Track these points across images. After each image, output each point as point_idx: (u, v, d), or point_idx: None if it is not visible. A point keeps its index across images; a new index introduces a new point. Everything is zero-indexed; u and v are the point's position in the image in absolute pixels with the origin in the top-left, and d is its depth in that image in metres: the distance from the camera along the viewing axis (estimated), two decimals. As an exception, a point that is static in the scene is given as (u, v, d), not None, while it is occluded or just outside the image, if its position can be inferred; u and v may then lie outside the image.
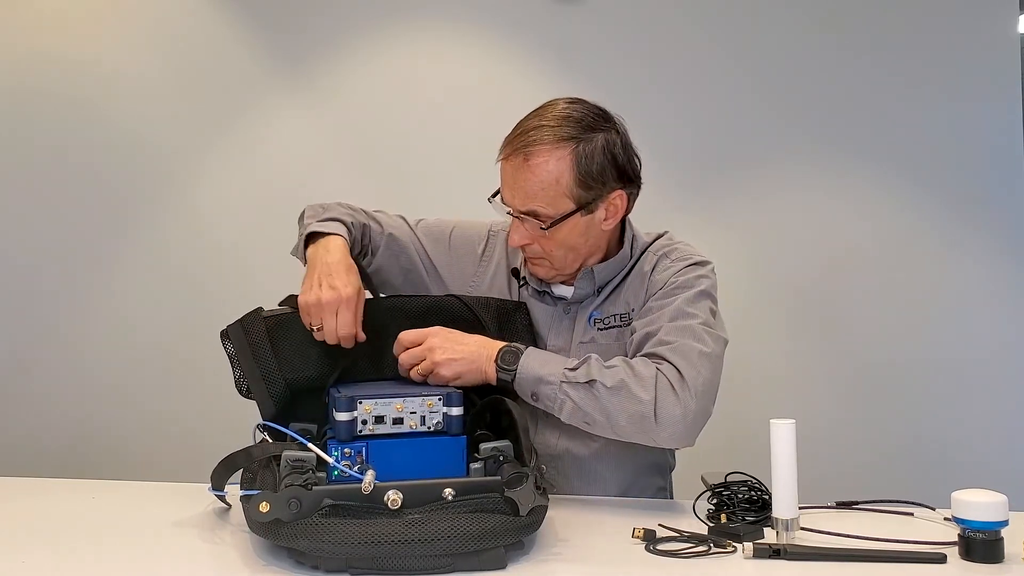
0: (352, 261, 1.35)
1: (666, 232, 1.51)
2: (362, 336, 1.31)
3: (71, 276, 2.81)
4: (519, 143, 1.32)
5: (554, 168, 1.31)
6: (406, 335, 1.32)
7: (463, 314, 1.40)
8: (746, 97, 2.80)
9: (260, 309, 1.33)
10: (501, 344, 1.33)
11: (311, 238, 1.39)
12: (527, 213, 1.34)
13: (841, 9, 2.80)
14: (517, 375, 1.29)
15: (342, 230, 1.40)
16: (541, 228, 1.34)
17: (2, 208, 2.83)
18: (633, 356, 1.33)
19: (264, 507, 0.98)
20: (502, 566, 0.99)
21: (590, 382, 1.26)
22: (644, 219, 1.52)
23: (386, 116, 2.83)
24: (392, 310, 1.40)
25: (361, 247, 1.48)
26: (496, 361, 1.30)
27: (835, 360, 2.76)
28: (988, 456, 2.66)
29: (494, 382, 1.31)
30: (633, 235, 1.47)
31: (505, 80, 2.81)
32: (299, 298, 1.30)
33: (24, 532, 1.16)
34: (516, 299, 1.47)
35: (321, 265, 1.32)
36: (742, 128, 2.80)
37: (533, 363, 1.30)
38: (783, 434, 1.06)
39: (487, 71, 2.83)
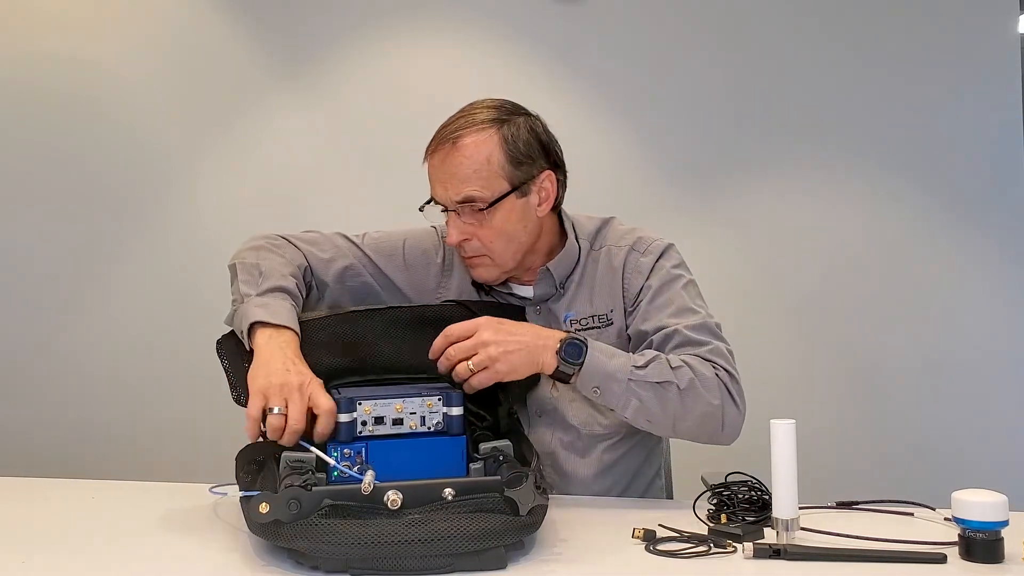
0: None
1: (612, 217, 1.49)
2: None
3: (71, 276, 2.81)
4: (443, 135, 1.36)
5: (483, 148, 1.33)
6: (454, 328, 1.26)
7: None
8: (746, 97, 2.80)
9: None
10: (559, 334, 1.27)
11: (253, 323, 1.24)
12: (463, 201, 1.33)
13: (841, 10, 2.80)
14: (582, 370, 1.25)
15: (289, 313, 1.26)
16: (479, 210, 1.33)
17: (1, 208, 2.83)
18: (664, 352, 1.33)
19: (264, 508, 0.98)
20: (502, 566, 0.99)
21: (664, 383, 1.25)
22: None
23: (386, 116, 2.82)
24: (394, 321, 1.36)
25: (307, 291, 1.40)
26: (559, 353, 1.25)
27: (835, 360, 2.76)
28: (988, 456, 2.66)
29: (549, 372, 1.26)
30: (573, 223, 1.46)
31: (505, 80, 2.81)
32: (258, 381, 1.15)
33: (24, 532, 1.16)
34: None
35: (280, 355, 1.19)
36: (741, 128, 2.80)
37: (600, 357, 1.26)
38: (783, 434, 1.06)
39: (487, 71, 2.83)
